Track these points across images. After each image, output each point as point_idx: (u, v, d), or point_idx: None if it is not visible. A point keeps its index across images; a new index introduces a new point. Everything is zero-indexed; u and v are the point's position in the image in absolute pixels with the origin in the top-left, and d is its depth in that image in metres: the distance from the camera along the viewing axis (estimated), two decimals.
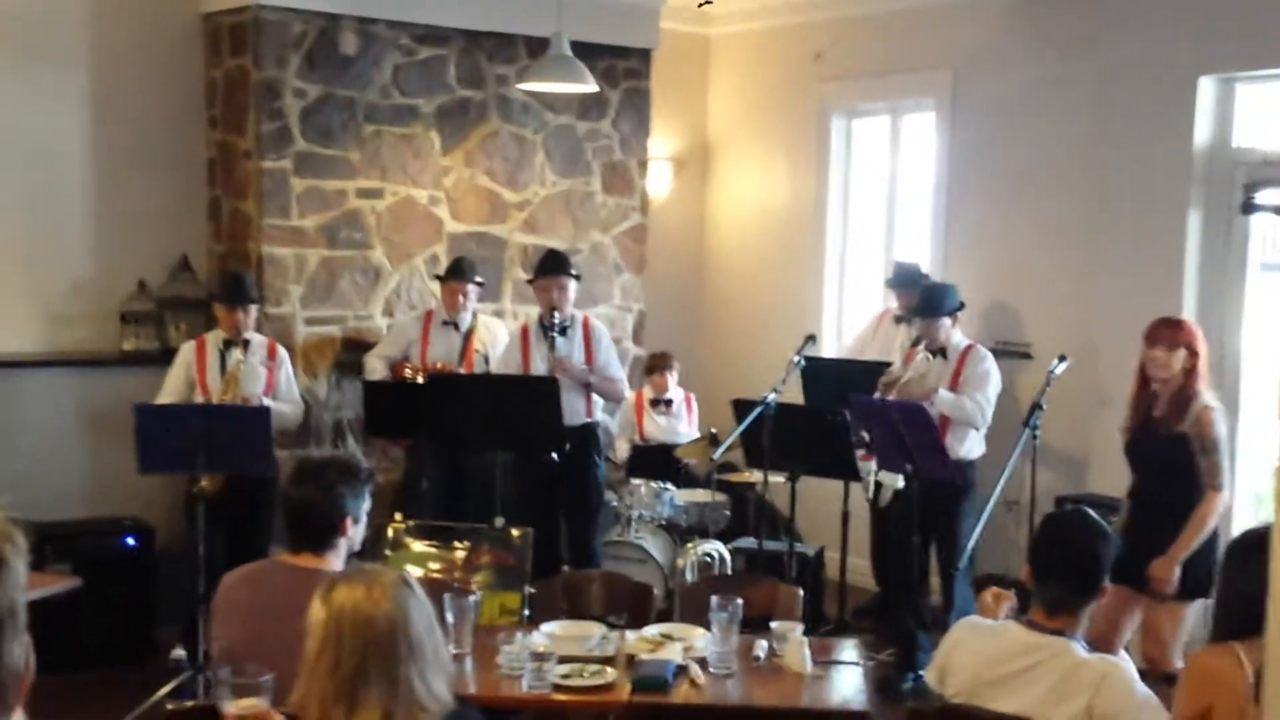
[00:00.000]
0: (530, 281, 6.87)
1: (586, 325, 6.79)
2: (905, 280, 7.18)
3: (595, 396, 6.75)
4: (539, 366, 6.56)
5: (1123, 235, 6.70)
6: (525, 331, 6.76)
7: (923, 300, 6.45)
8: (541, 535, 5.82)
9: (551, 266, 6.65)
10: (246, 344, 6.33)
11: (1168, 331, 5.16)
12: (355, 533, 3.66)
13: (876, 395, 6.33)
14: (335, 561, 3.60)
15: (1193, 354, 5.11)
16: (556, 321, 6.57)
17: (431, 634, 2.58)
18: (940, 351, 6.34)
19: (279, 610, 3.34)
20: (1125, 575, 5.15)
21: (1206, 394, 5.07)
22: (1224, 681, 3.16)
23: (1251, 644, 3.19)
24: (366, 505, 3.68)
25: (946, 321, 6.34)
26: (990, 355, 6.41)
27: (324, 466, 3.68)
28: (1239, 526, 5.75)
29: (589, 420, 6.73)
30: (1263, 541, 3.45)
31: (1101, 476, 6.55)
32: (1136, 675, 3.41)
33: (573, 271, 6.71)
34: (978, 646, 3.55)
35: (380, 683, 2.48)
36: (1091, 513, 3.67)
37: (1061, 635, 3.43)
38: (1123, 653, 4.67)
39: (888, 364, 6.70)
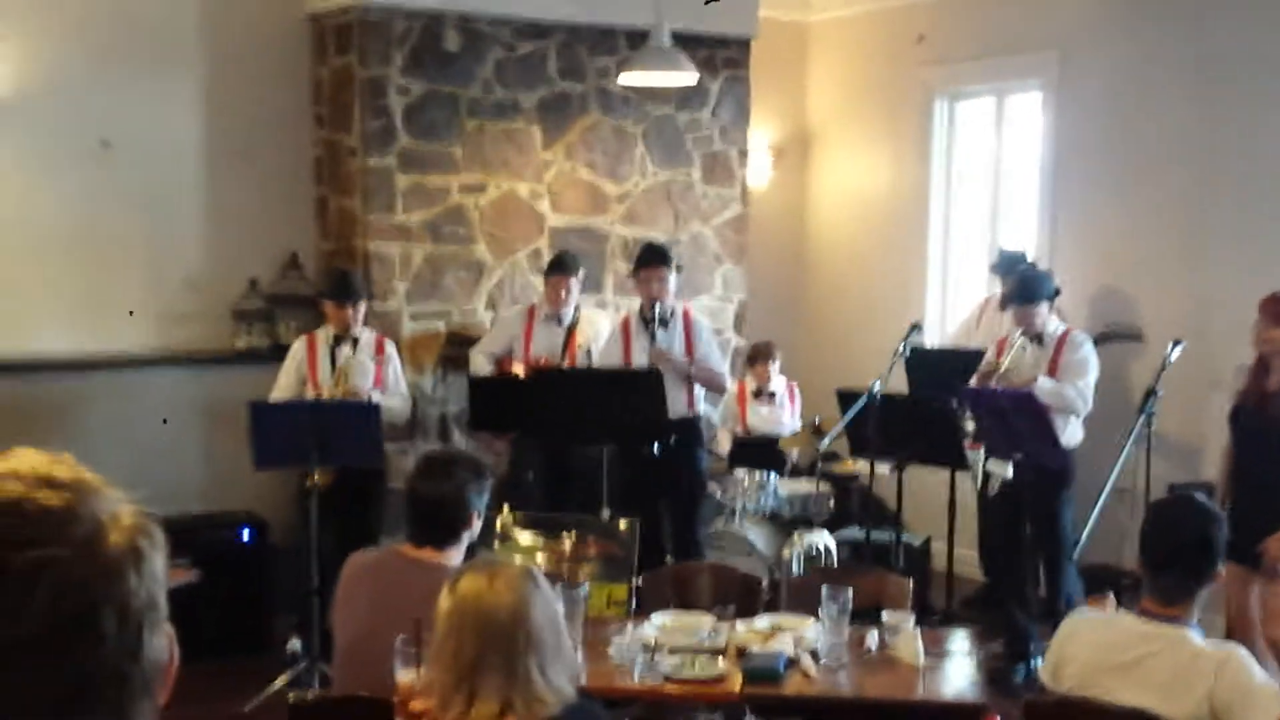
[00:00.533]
0: (631, 274, 6.89)
1: (687, 317, 6.79)
2: (1009, 266, 7.09)
3: (697, 388, 6.74)
4: (640, 359, 6.57)
5: (1233, 215, 6.55)
6: (626, 324, 6.77)
7: (1018, 287, 6.38)
8: (645, 527, 5.83)
9: (651, 258, 6.65)
10: (355, 340, 6.42)
11: (1268, 303, 5.09)
12: (476, 527, 3.71)
13: (972, 384, 6.28)
14: (456, 556, 3.65)
15: None
16: (657, 313, 6.57)
17: (554, 627, 2.61)
18: (1037, 338, 6.27)
19: (396, 602, 3.40)
20: (1237, 552, 5.08)
21: None
22: None
23: None
24: (486, 500, 3.74)
25: (1043, 307, 6.28)
26: (1089, 340, 6.34)
27: (452, 462, 3.75)
28: None
29: (691, 413, 6.72)
30: None
31: (1216, 462, 6.41)
32: (1255, 662, 3.35)
33: (672, 262, 6.71)
34: (1091, 637, 3.51)
35: (499, 673, 2.51)
36: (1201, 496, 3.61)
37: (1177, 623, 3.37)
38: (1262, 643, 4.60)
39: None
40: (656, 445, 6.33)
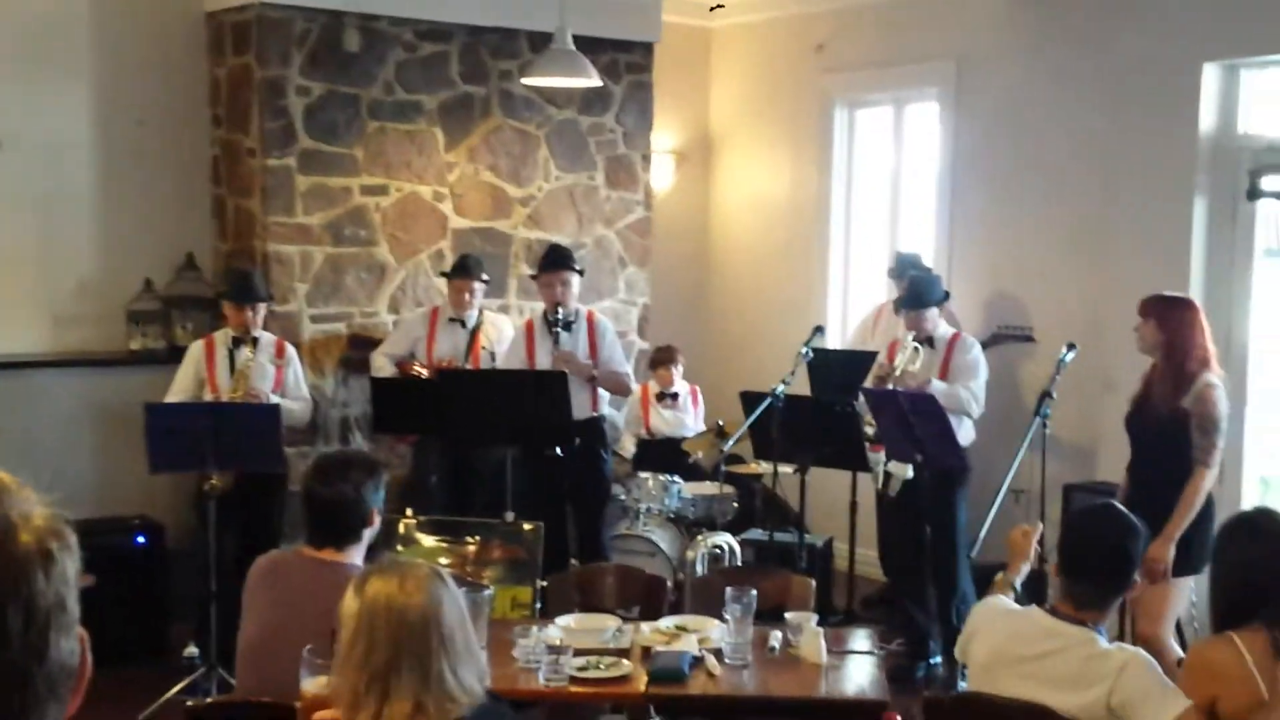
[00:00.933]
0: (534, 277, 6.88)
1: (591, 320, 6.79)
2: (905, 269, 7.21)
3: (601, 390, 6.76)
4: (544, 362, 6.57)
5: (1128, 223, 6.70)
6: (530, 327, 6.77)
7: (908, 292, 6.49)
8: (549, 529, 5.81)
9: (555, 262, 6.66)
10: (255, 342, 6.34)
11: (1142, 304, 5.26)
12: (376, 525, 3.71)
13: (867, 386, 6.37)
14: (357, 555, 3.65)
15: (1163, 326, 5.13)
16: (561, 316, 6.57)
17: (463, 628, 2.59)
18: (928, 341, 6.38)
19: (300, 602, 3.39)
20: None
21: (1209, 373, 5.09)
22: (1226, 673, 3.18)
23: (1247, 632, 3.21)
24: (382, 497, 3.75)
25: (934, 311, 6.41)
26: (977, 344, 6.48)
27: (347, 463, 3.75)
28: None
29: (594, 414, 6.74)
30: (1251, 526, 3.48)
31: (1109, 463, 6.54)
32: (1157, 665, 3.42)
33: (576, 266, 6.71)
34: (1002, 624, 3.57)
35: (412, 674, 2.49)
36: (1120, 509, 3.66)
37: (1084, 626, 3.43)
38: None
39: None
40: (560, 447, 6.33)
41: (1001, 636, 3.53)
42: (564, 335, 6.57)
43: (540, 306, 6.84)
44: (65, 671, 1.20)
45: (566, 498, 6.63)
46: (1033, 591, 3.71)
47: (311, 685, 2.92)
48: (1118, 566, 3.47)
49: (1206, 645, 3.37)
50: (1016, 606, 3.69)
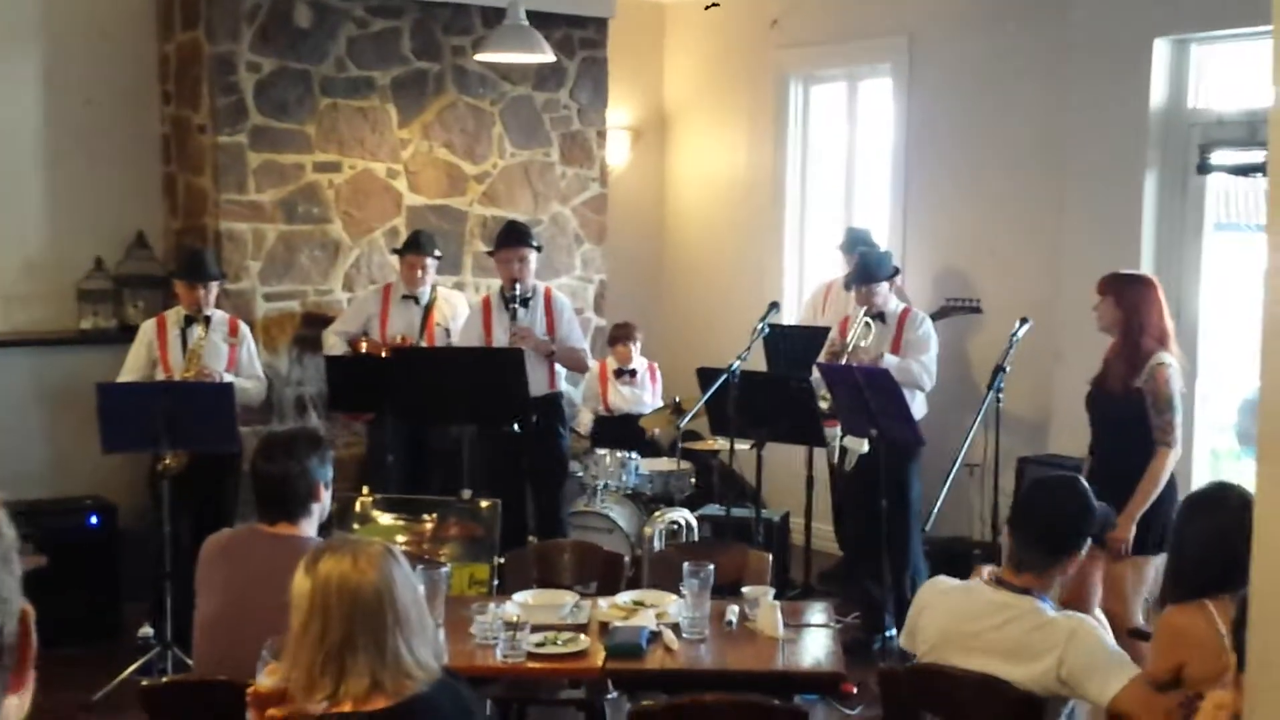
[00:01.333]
0: (490, 254, 6.85)
1: (548, 296, 6.78)
2: (853, 245, 7.24)
3: (558, 367, 6.75)
4: (501, 338, 6.55)
5: (1079, 198, 6.74)
6: (487, 303, 6.75)
7: (860, 267, 6.52)
8: (507, 507, 5.81)
9: (511, 238, 6.63)
10: (208, 320, 6.29)
11: (1101, 282, 5.29)
12: (326, 499, 3.76)
13: (822, 362, 6.39)
14: (309, 528, 3.67)
15: (1121, 304, 5.16)
16: (518, 293, 6.55)
17: (417, 604, 2.61)
18: (879, 316, 6.42)
19: (260, 578, 3.39)
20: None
21: (1164, 352, 5.13)
22: (1196, 639, 3.21)
23: (1220, 600, 3.25)
24: (330, 471, 3.79)
25: (884, 286, 6.45)
26: (928, 319, 6.51)
27: (292, 439, 3.79)
28: (1198, 484, 5.82)
29: (552, 391, 6.73)
30: (1214, 498, 3.52)
31: (1061, 437, 6.61)
32: (1106, 632, 3.46)
33: (533, 243, 6.69)
34: (947, 604, 3.60)
35: (368, 651, 2.50)
36: (1081, 482, 3.69)
37: (1029, 594, 3.47)
38: (1098, 612, 4.76)
39: None
40: (517, 424, 6.32)
41: (948, 615, 3.56)
42: (521, 312, 6.55)
43: (498, 284, 6.81)
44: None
45: (525, 474, 6.63)
46: (987, 562, 3.75)
47: (266, 679, 2.90)
48: (1062, 534, 3.52)
49: (1178, 612, 3.41)
50: (959, 582, 3.72)
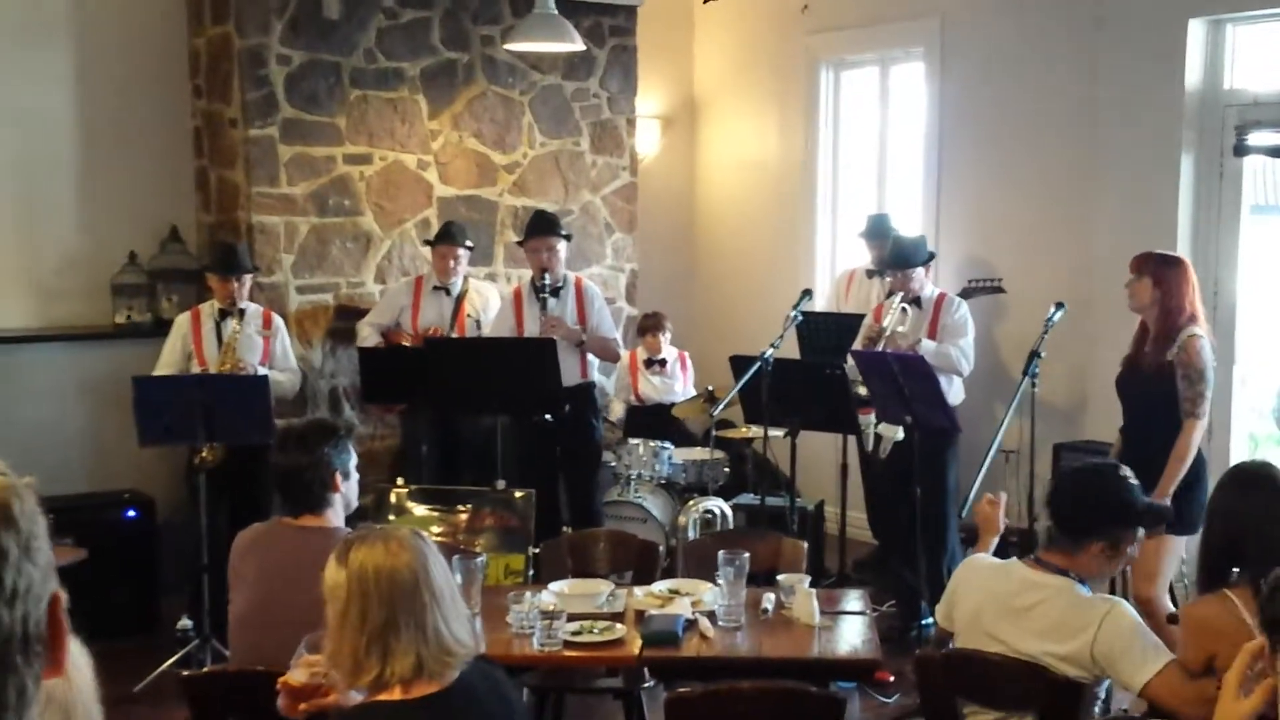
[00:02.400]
0: (521, 244, 6.85)
1: (579, 286, 6.77)
2: (876, 232, 7.21)
3: (590, 357, 6.74)
4: (532, 329, 6.55)
5: (1115, 180, 6.69)
6: (518, 294, 6.74)
7: (894, 252, 6.48)
8: (541, 497, 5.82)
9: (541, 228, 6.63)
10: (242, 314, 6.31)
11: (1136, 260, 5.25)
12: (348, 488, 3.79)
13: (856, 349, 6.36)
14: (335, 518, 3.71)
15: (1159, 283, 5.13)
16: (548, 283, 6.54)
17: (449, 583, 2.68)
18: (915, 301, 6.37)
19: (289, 570, 3.42)
20: None
21: (1194, 326, 5.09)
22: (1223, 631, 3.19)
23: (1236, 587, 3.22)
24: (354, 460, 3.81)
25: (920, 272, 6.40)
26: (964, 303, 6.46)
27: (304, 431, 3.83)
28: None
29: (584, 380, 6.73)
30: (1246, 475, 3.49)
31: (1097, 422, 6.56)
32: (1137, 615, 3.45)
33: (563, 232, 6.69)
34: (983, 583, 3.60)
35: (409, 630, 2.56)
36: (1124, 473, 3.63)
37: (1065, 575, 3.47)
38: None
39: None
40: (550, 414, 6.32)
41: (983, 593, 3.57)
42: (552, 301, 6.55)
43: (529, 274, 6.81)
44: (35, 632, 1.22)
45: (559, 464, 6.63)
46: (1023, 550, 3.74)
47: (301, 674, 2.93)
48: (1084, 519, 3.50)
49: (1200, 604, 3.39)
50: (996, 560, 3.72)
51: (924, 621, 6.23)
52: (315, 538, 3.56)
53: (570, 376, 6.50)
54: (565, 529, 6.35)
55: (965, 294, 7.00)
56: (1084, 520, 3.51)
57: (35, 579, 1.22)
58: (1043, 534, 3.60)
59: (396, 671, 2.54)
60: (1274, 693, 2.06)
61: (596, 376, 6.98)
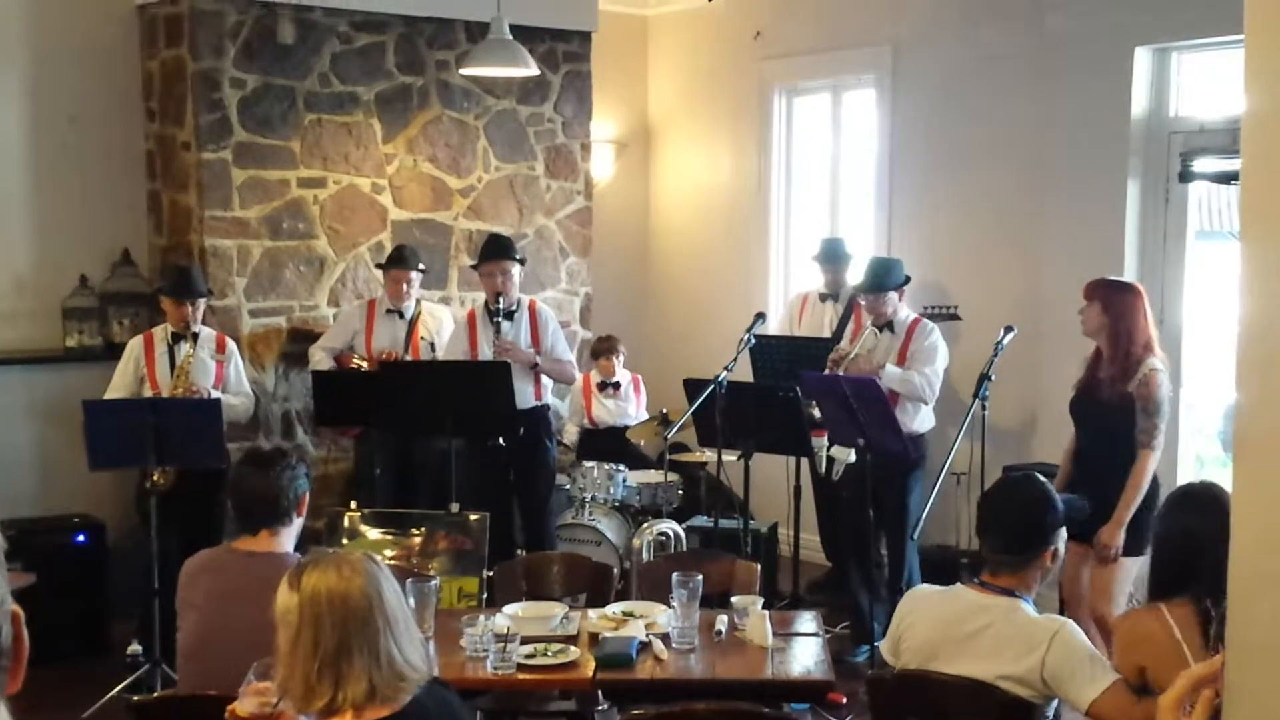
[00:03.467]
0: (475, 267, 6.86)
1: (533, 309, 6.79)
2: (830, 256, 7.26)
3: (545, 379, 6.75)
4: (486, 352, 6.55)
5: (1063, 206, 6.78)
6: (472, 317, 6.75)
7: (869, 276, 6.47)
8: (494, 520, 5.81)
9: (494, 251, 6.64)
10: (195, 337, 6.28)
11: (1087, 287, 5.31)
12: (303, 511, 3.87)
13: (825, 371, 6.38)
14: (288, 542, 3.71)
15: (1108, 309, 5.19)
16: (501, 306, 6.55)
17: (402, 608, 2.67)
18: (887, 326, 6.39)
19: (237, 596, 3.43)
20: (1075, 534, 5.26)
21: (1153, 358, 5.16)
22: (1153, 642, 3.25)
23: (1175, 604, 3.28)
24: (307, 484, 3.91)
25: (893, 296, 6.38)
26: (936, 328, 6.47)
27: (273, 452, 3.95)
28: None
29: (538, 403, 6.73)
30: (1193, 495, 3.56)
31: (1046, 445, 6.63)
32: (1083, 634, 3.49)
33: (517, 256, 6.70)
34: (931, 610, 3.62)
35: (362, 655, 2.54)
36: (1039, 477, 3.74)
37: (1011, 595, 3.51)
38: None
39: (835, 340, 6.74)
40: (503, 437, 6.33)
41: (934, 621, 3.58)
42: (506, 325, 6.56)
43: (483, 297, 6.82)
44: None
45: (513, 487, 6.63)
46: (975, 571, 3.77)
47: (250, 703, 2.91)
48: (1026, 530, 3.56)
49: (1133, 616, 3.46)
50: (940, 588, 3.74)
51: (877, 643, 6.26)
52: (264, 563, 3.57)
53: (524, 399, 6.51)
54: (520, 552, 6.35)
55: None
56: (1036, 534, 3.56)
57: (5, 593, 1.24)
58: (989, 557, 3.61)
59: (349, 697, 2.53)
60: (1214, 708, 2.09)
61: (550, 399, 6.99)
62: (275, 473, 3.74)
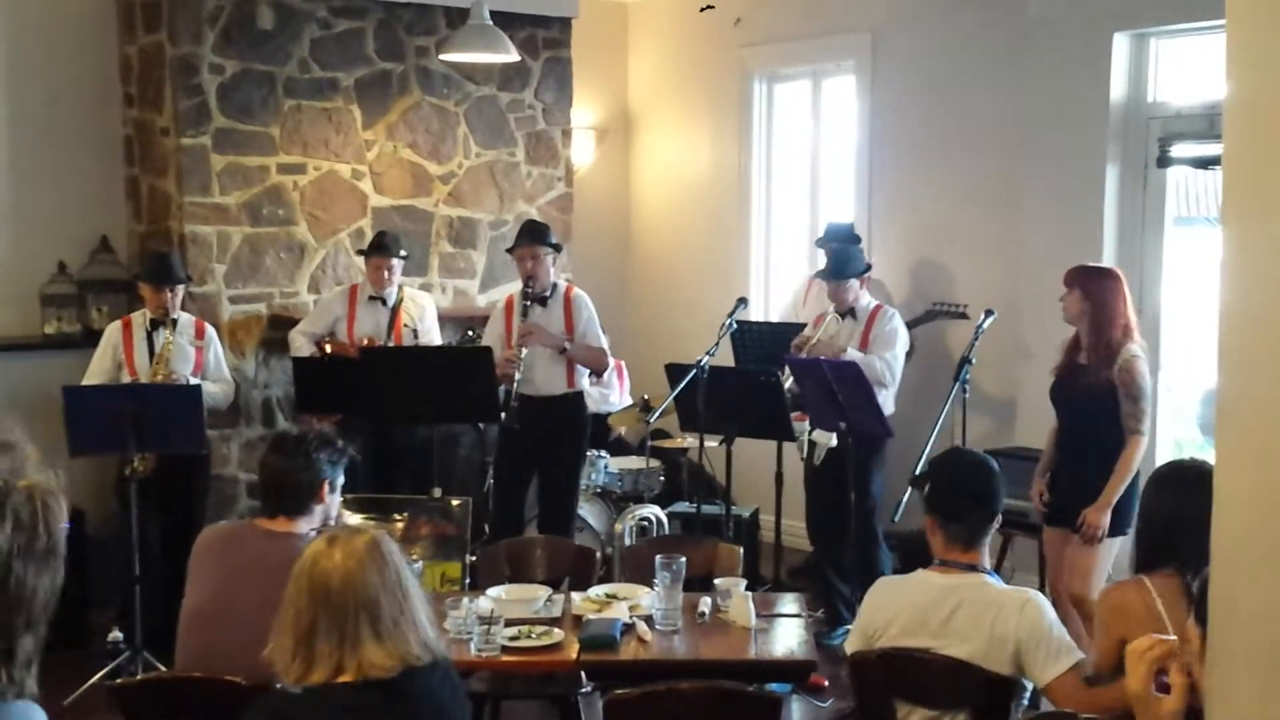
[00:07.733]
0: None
1: (569, 295, 6.64)
2: (836, 239, 7.26)
3: (578, 366, 6.65)
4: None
5: (1042, 191, 6.80)
6: (510, 302, 6.64)
7: (830, 264, 6.53)
8: (508, 501, 5.78)
9: (524, 237, 6.57)
10: (174, 324, 6.25)
11: (1067, 275, 5.33)
12: (332, 501, 3.82)
13: (789, 355, 6.41)
14: (306, 525, 3.70)
15: (1087, 296, 5.22)
16: (532, 291, 6.50)
17: (394, 593, 2.60)
18: (849, 312, 6.43)
19: (249, 572, 3.43)
20: (1058, 517, 5.29)
21: (1133, 344, 5.19)
22: (1134, 614, 3.27)
23: (1158, 576, 3.31)
24: (342, 478, 3.86)
25: (854, 283, 6.46)
26: (897, 314, 6.52)
27: (303, 436, 3.86)
28: None
29: (570, 390, 6.58)
30: (1178, 471, 3.58)
31: (1026, 429, 6.65)
32: (1051, 608, 3.52)
33: (549, 241, 6.58)
34: (900, 600, 3.62)
35: (330, 637, 2.53)
36: (973, 450, 3.80)
37: (974, 570, 3.54)
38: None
39: None
40: (484, 423, 6.31)
41: (909, 613, 3.58)
42: (538, 310, 6.49)
43: (462, 283, 6.82)
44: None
45: (539, 470, 6.55)
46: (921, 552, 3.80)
47: None
48: (987, 501, 3.63)
49: (1116, 588, 3.49)
50: (903, 577, 3.76)
51: (849, 628, 6.28)
52: (282, 543, 3.57)
53: (556, 386, 6.45)
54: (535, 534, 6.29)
55: (927, 316, 7.08)
56: (985, 508, 3.62)
57: (50, 591, 1.60)
58: (944, 534, 3.63)
59: (318, 678, 2.53)
60: (1190, 683, 2.11)
61: (585, 385, 6.87)
62: (295, 457, 3.74)
